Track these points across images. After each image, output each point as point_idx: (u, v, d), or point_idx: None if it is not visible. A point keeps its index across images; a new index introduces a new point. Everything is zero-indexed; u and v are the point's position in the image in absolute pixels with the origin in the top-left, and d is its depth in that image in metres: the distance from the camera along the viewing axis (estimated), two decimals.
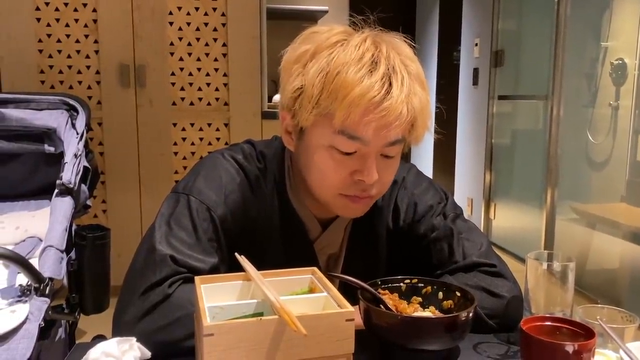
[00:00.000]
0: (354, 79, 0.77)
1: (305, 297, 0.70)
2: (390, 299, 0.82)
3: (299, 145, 0.88)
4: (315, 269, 0.75)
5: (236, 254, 0.76)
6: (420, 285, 0.85)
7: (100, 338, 1.57)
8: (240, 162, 0.94)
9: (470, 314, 0.74)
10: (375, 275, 0.87)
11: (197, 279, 0.71)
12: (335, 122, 0.79)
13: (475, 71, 4.04)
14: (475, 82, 4.06)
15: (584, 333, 0.67)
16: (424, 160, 4.97)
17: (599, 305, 0.73)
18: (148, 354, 0.72)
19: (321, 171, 0.85)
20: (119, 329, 0.80)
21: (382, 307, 0.79)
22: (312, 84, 0.79)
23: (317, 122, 0.82)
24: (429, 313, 0.81)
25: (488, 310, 0.86)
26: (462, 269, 0.92)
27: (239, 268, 0.76)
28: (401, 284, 0.85)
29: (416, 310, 0.81)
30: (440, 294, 0.83)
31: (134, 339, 0.71)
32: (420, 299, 0.84)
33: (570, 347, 0.63)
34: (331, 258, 0.99)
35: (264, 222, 0.92)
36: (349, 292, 0.74)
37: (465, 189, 4.27)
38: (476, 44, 4.03)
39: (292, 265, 0.79)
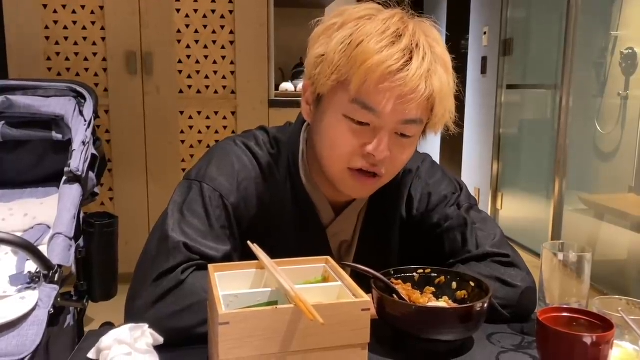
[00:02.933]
0: (375, 48, 0.77)
1: (319, 286, 0.70)
2: (404, 289, 0.81)
3: (315, 115, 0.87)
4: (328, 258, 0.75)
5: (249, 242, 0.76)
6: (433, 275, 0.84)
7: (108, 325, 1.58)
8: (253, 149, 0.93)
9: (485, 305, 0.74)
10: (387, 265, 0.87)
11: (210, 267, 0.70)
12: (352, 88, 0.79)
13: (484, 60, 4.01)
14: (483, 71, 4.02)
15: (602, 324, 0.66)
16: (432, 150, 4.96)
17: (616, 297, 0.72)
18: (160, 340, 0.72)
19: (333, 140, 0.84)
20: (131, 315, 0.80)
21: (395, 297, 0.78)
22: (334, 51, 0.79)
23: (335, 89, 0.81)
24: (442, 303, 0.80)
25: (501, 300, 0.85)
26: (475, 258, 0.91)
27: (251, 256, 0.75)
28: (414, 274, 0.84)
29: (430, 301, 0.81)
30: (454, 284, 0.83)
31: (146, 326, 0.71)
32: (433, 289, 0.83)
33: (588, 339, 0.63)
34: (343, 245, 0.98)
35: (276, 209, 0.92)
36: (361, 282, 0.74)
37: (473, 179, 4.25)
38: (485, 33, 3.99)
39: (305, 252, 0.79)
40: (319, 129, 0.87)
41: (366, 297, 0.62)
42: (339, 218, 0.96)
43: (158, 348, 0.70)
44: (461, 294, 0.82)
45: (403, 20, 0.82)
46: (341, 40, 0.79)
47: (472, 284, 0.81)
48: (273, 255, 0.74)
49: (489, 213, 3.91)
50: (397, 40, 0.78)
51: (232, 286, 0.68)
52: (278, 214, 0.92)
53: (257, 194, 0.90)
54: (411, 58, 0.78)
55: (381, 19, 0.80)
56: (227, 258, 0.84)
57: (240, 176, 0.89)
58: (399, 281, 0.83)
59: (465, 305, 0.75)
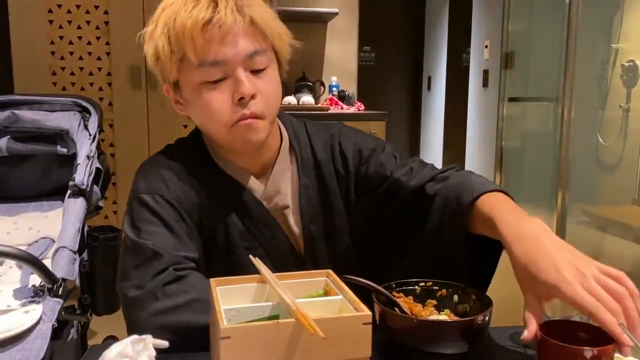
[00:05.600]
0: (185, 16, 0.86)
1: (321, 299, 0.70)
2: (405, 302, 0.81)
3: (186, 105, 0.95)
4: (329, 271, 0.75)
5: (251, 256, 0.77)
6: (435, 288, 0.85)
7: (112, 339, 1.58)
8: (168, 152, 1.00)
9: (487, 318, 0.74)
10: (335, 225, 1.00)
11: (212, 281, 0.71)
12: (190, 57, 0.87)
13: (485, 73, 4.03)
14: (485, 84, 4.04)
15: (603, 337, 0.66)
16: (434, 162, 4.95)
17: None
18: (165, 344, 0.72)
19: (207, 109, 0.90)
20: (133, 311, 0.84)
21: (397, 310, 0.79)
22: (161, 41, 0.89)
23: (181, 69, 0.90)
24: (444, 316, 0.80)
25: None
26: (439, 174, 0.98)
27: (210, 242, 0.89)
28: (416, 287, 0.85)
29: (431, 314, 0.81)
30: (456, 297, 0.83)
31: (148, 337, 0.71)
32: (435, 302, 0.83)
33: (589, 352, 0.63)
34: (285, 211, 1.02)
35: (210, 194, 0.96)
36: (362, 295, 0.74)
37: None
38: (486, 46, 4.01)
39: (254, 226, 0.92)
40: (193, 111, 0.94)
41: (367, 311, 0.63)
42: (269, 181, 0.99)
43: None
44: (463, 307, 0.82)
45: None
46: (161, 30, 0.89)
47: (473, 297, 0.81)
48: (229, 238, 0.86)
49: None
50: (198, 1, 0.87)
51: (233, 300, 0.69)
52: (214, 198, 0.96)
53: (189, 185, 0.95)
54: (217, 4, 0.87)
55: None
56: (193, 251, 0.90)
57: (167, 175, 0.94)
58: (401, 294, 0.83)
59: (467, 319, 0.76)
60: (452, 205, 0.90)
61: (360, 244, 1.05)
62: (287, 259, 1.00)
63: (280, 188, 1.01)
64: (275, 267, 0.95)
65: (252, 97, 0.89)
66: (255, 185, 0.99)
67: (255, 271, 0.74)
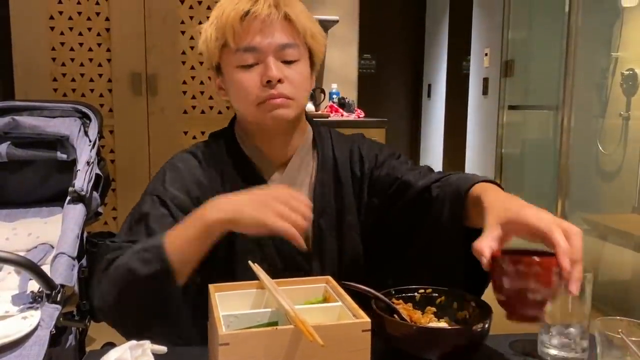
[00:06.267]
0: (230, 8, 0.97)
1: (320, 306, 0.70)
2: (404, 309, 0.81)
3: (226, 89, 1.04)
4: (329, 278, 0.75)
5: (250, 262, 0.77)
6: (434, 295, 0.84)
7: (110, 345, 1.56)
8: (188, 150, 1.07)
9: (486, 326, 0.74)
10: (344, 222, 1.03)
11: (211, 287, 0.71)
12: (230, 43, 0.97)
13: (485, 81, 4.04)
14: (485, 91, 4.05)
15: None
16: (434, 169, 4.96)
17: (618, 318, 0.72)
18: (164, 349, 0.72)
19: (239, 89, 0.99)
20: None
21: (396, 317, 0.79)
22: (210, 30, 1.00)
23: (222, 54, 1.00)
24: (443, 324, 0.80)
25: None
26: (444, 177, 1.01)
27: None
28: (415, 294, 0.85)
29: (431, 321, 0.81)
30: (455, 305, 0.83)
31: (147, 343, 0.71)
32: (434, 309, 0.83)
33: (534, 265, 0.67)
34: None
35: (226, 180, 1.02)
36: (361, 302, 0.74)
37: None
38: (486, 54, 4.02)
39: None
40: (230, 93, 1.03)
41: (366, 318, 0.63)
42: (285, 172, 1.04)
43: None
44: (462, 314, 0.82)
45: None
46: (211, 22, 1.00)
47: (473, 304, 0.81)
48: None
49: None
50: None
51: (232, 306, 0.69)
52: (230, 184, 1.01)
53: (194, 181, 1.01)
54: None
55: None
56: None
57: (169, 176, 1.01)
58: (400, 301, 0.83)
59: (465, 326, 0.75)
60: (451, 196, 0.95)
61: (368, 245, 1.07)
62: (294, 251, 1.00)
63: (296, 180, 1.05)
64: (282, 258, 0.98)
65: (280, 81, 0.97)
66: (274, 175, 1.04)
67: (253, 272, 0.74)
